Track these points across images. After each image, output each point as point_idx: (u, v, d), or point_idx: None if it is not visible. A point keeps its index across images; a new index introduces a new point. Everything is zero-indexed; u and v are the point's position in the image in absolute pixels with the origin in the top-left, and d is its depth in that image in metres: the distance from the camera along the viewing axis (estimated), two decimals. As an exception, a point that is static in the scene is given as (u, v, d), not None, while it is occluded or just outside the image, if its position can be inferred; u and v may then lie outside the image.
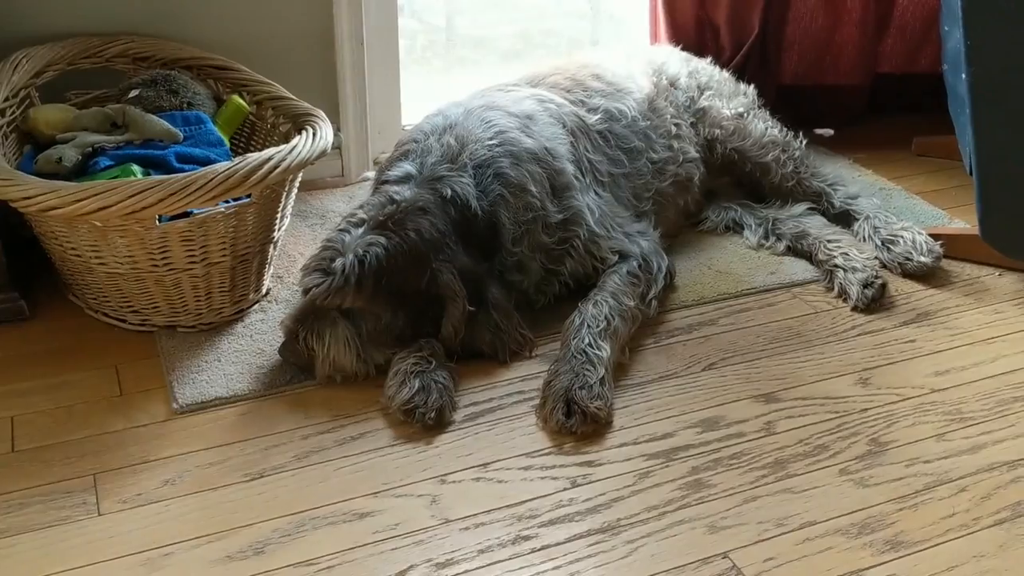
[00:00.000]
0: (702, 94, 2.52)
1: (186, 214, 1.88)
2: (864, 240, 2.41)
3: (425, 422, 1.77)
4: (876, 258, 2.33)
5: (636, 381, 1.94)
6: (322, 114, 2.18)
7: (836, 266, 2.26)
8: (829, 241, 2.33)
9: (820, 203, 2.52)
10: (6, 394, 1.86)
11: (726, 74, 2.64)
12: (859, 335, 2.10)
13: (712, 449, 1.75)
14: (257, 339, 2.03)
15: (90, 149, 2.02)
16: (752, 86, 2.64)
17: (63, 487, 1.64)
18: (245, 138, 2.36)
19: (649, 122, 2.34)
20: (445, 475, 1.68)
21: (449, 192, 1.94)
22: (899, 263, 2.32)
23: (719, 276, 2.30)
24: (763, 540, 1.55)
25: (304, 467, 1.69)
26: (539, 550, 1.53)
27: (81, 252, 1.93)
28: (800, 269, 2.34)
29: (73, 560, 1.49)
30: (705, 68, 2.61)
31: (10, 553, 1.50)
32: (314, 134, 2.05)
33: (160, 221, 1.86)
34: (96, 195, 1.76)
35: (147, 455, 1.71)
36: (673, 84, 2.49)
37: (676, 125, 2.40)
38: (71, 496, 1.62)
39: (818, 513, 1.60)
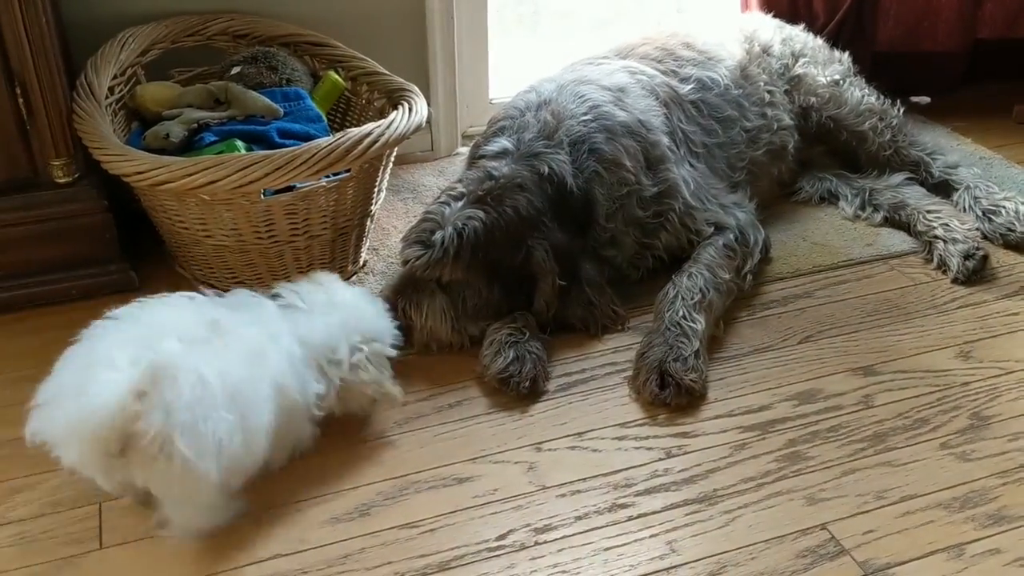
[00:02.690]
0: (796, 61, 2.47)
1: (290, 188, 1.93)
2: (964, 211, 2.35)
3: (520, 391, 1.80)
4: (977, 229, 2.26)
5: (731, 354, 1.94)
6: (416, 89, 2.21)
7: (936, 237, 2.21)
8: (928, 211, 2.28)
9: (918, 173, 2.47)
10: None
11: (820, 41, 2.59)
12: (959, 308, 2.06)
13: (809, 422, 1.74)
14: (355, 310, 2.07)
15: (195, 125, 2.08)
16: (847, 53, 2.58)
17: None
18: (341, 113, 2.41)
19: (742, 90, 2.31)
20: (541, 443, 1.71)
21: (546, 169, 1.95)
22: (1001, 234, 2.26)
23: (814, 248, 2.27)
24: (862, 513, 1.54)
25: (404, 433, 1.74)
26: (636, 518, 1.55)
27: (189, 225, 2.00)
28: (898, 240, 2.29)
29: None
30: (799, 35, 2.55)
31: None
32: (410, 109, 2.08)
33: (265, 195, 1.91)
34: (205, 170, 1.82)
35: (254, 420, 1.77)
36: (766, 51, 2.45)
37: (769, 92, 2.37)
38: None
39: (919, 487, 1.59)
